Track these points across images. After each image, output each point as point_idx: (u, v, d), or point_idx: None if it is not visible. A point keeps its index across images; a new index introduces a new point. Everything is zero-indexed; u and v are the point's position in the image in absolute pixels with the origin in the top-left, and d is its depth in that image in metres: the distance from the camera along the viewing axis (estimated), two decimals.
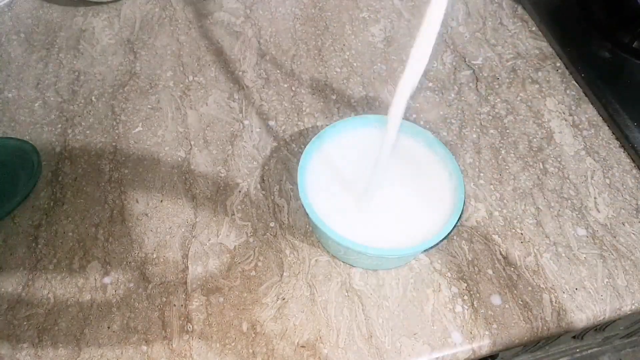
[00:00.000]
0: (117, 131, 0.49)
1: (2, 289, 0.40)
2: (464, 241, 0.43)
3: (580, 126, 0.51)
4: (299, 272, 0.41)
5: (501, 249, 0.43)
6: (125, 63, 0.55)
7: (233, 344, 0.38)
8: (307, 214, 0.38)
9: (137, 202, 0.45)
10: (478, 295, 0.40)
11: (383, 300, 0.40)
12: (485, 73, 0.55)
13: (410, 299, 0.40)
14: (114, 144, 0.49)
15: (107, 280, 0.41)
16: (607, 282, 0.41)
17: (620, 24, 0.55)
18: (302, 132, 0.50)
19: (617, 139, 0.50)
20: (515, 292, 0.40)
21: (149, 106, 0.51)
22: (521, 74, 0.55)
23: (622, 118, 0.49)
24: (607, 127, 0.50)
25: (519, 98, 0.53)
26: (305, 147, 0.41)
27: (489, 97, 0.53)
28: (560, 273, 0.41)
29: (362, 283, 0.41)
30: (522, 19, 0.60)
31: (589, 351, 0.89)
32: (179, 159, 0.48)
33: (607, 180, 0.47)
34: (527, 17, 0.60)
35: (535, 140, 0.49)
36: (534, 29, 0.59)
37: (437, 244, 0.37)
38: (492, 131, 0.50)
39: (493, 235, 0.43)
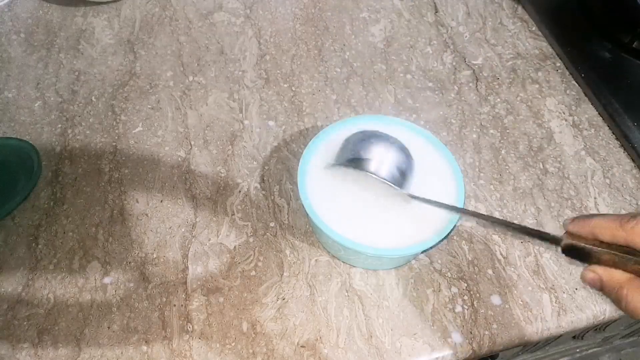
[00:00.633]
0: (117, 131, 0.49)
1: (2, 289, 0.40)
2: (464, 241, 0.43)
3: (580, 126, 0.51)
4: (299, 272, 0.41)
5: (501, 249, 0.43)
6: (125, 63, 0.55)
7: (233, 344, 0.38)
8: (307, 214, 0.38)
9: (137, 202, 0.45)
10: (478, 295, 0.40)
11: (383, 300, 0.40)
12: (485, 73, 0.55)
13: (410, 299, 0.40)
14: (114, 144, 0.49)
15: (107, 280, 0.41)
16: None
17: (620, 24, 0.55)
18: (302, 132, 0.50)
19: (617, 139, 0.50)
20: (515, 292, 0.40)
21: (149, 106, 0.51)
22: (521, 74, 0.55)
23: (622, 118, 0.49)
24: (607, 127, 0.50)
25: (519, 98, 0.53)
26: (305, 147, 0.41)
27: (489, 97, 0.53)
28: (560, 273, 0.41)
29: (362, 283, 0.41)
30: (522, 19, 0.60)
31: (589, 351, 0.89)
32: (179, 159, 0.48)
33: (607, 180, 0.47)
34: (527, 17, 0.60)
35: (535, 140, 0.49)
36: (534, 29, 0.59)
37: (437, 244, 0.37)
38: (492, 131, 0.50)
39: (493, 235, 0.43)
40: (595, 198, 0.46)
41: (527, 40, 0.58)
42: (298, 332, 0.38)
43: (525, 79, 0.54)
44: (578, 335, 0.69)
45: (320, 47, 0.57)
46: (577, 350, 0.86)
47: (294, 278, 0.41)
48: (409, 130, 0.42)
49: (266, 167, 0.47)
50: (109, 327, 0.39)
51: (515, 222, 0.44)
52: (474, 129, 0.50)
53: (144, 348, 0.38)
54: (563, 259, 0.42)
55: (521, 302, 0.40)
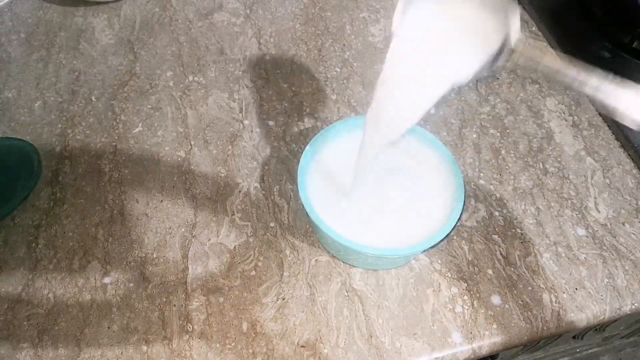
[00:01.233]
0: (117, 131, 0.49)
1: (2, 289, 0.40)
2: (464, 241, 0.43)
3: (580, 126, 0.51)
4: (299, 272, 0.41)
5: (501, 249, 0.43)
6: (125, 63, 0.55)
7: (233, 344, 0.38)
8: (307, 214, 0.38)
9: (137, 202, 0.45)
10: (478, 295, 0.40)
11: (383, 300, 0.40)
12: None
13: (410, 299, 0.40)
14: (114, 144, 0.49)
15: (107, 280, 0.41)
16: (607, 282, 0.41)
17: (620, 24, 0.55)
18: (302, 132, 0.50)
19: (617, 139, 0.50)
20: (515, 292, 0.40)
21: (149, 106, 0.51)
22: (521, 74, 0.55)
23: None
24: (607, 127, 0.50)
25: (519, 98, 0.53)
26: (305, 147, 0.41)
27: (489, 97, 0.53)
28: (560, 273, 0.41)
29: (362, 283, 0.41)
30: (522, 19, 0.60)
31: (589, 351, 0.89)
32: (179, 159, 0.48)
33: (607, 180, 0.47)
34: (527, 17, 0.60)
35: (535, 140, 0.49)
36: (534, 29, 0.59)
37: (437, 244, 0.37)
38: (492, 131, 0.50)
39: (493, 235, 0.43)
40: (595, 198, 0.46)
41: (527, 40, 0.58)
42: (298, 332, 0.38)
43: (525, 79, 0.54)
44: (578, 335, 0.69)
45: (320, 47, 0.57)
46: (577, 350, 0.86)
47: (294, 278, 0.41)
48: (409, 130, 0.42)
49: (266, 167, 0.47)
50: (109, 327, 0.39)
51: (515, 222, 0.44)
52: (474, 129, 0.50)
53: (144, 348, 0.38)
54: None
55: (521, 302, 0.40)
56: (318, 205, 0.38)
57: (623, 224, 0.44)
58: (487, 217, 0.44)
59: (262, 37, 0.57)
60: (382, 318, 0.39)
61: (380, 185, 0.40)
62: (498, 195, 0.46)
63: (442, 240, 0.37)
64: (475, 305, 0.40)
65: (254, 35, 0.58)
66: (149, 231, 0.43)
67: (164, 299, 0.40)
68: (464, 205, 0.44)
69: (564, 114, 0.51)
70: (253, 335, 0.38)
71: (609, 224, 0.44)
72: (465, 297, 0.40)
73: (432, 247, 0.41)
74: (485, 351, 0.39)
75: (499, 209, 0.45)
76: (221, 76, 0.54)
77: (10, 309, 0.39)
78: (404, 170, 0.41)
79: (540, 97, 0.53)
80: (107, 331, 0.38)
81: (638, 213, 0.45)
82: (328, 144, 0.42)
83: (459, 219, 0.37)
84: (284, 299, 0.40)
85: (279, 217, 0.44)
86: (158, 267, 0.41)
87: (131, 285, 0.40)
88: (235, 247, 0.42)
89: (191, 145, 0.49)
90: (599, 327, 0.65)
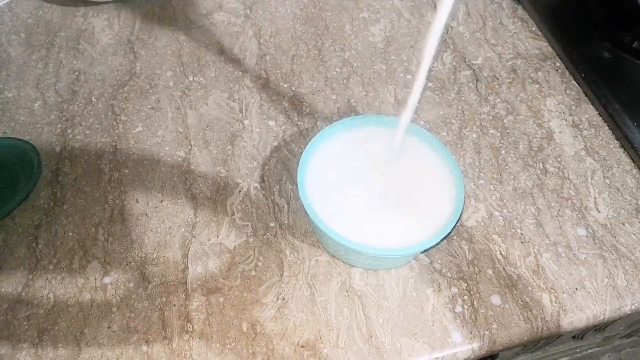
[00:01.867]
0: (117, 131, 0.49)
1: (2, 289, 0.40)
2: (464, 241, 0.43)
3: (580, 126, 0.51)
4: (299, 272, 0.41)
5: (501, 249, 0.43)
6: (125, 63, 0.55)
7: (233, 344, 0.38)
8: (307, 214, 0.38)
9: (137, 202, 0.45)
10: (478, 295, 0.40)
11: (383, 301, 0.40)
12: (485, 73, 0.55)
13: (410, 299, 0.40)
14: (114, 144, 0.49)
15: (107, 280, 0.41)
16: (607, 282, 0.41)
17: (620, 24, 0.55)
18: (302, 132, 0.50)
19: (617, 139, 0.50)
20: (515, 292, 0.40)
21: (149, 106, 0.51)
22: (521, 74, 0.55)
23: (622, 118, 0.49)
24: (607, 127, 0.50)
25: (519, 98, 0.53)
26: (305, 147, 0.41)
27: (489, 97, 0.53)
28: (560, 273, 0.41)
29: (362, 283, 0.41)
30: (522, 19, 0.60)
31: (589, 351, 0.89)
32: (179, 159, 0.48)
33: (607, 180, 0.47)
34: (527, 17, 0.60)
35: (535, 140, 0.49)
36: (534, 29, 0.59)
37: (437, 244, 0.37)
38: (492, 131, 0.50)
39: (493, 235, 0.43)
40: (595, 198, 0.46)
41: (527, 40, 0.58)
42: (298, 332, 0.38)
43: (525, 79, 0.54)
44: (578, 335, 0.69)
45: (320, 47, 0.57)
46: (577, 350, 0.86)
47: (294, 278, 0.41)
48: (409, 130, 0.42)
49: (266, 167, 0.47)
50: (109, 327, 0.39)
51: (515, 222, 0.44)
52: (474, 129, 0.50)
53: (144, 348, 0.38)
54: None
55: (521, 302, 0.40)
56: (318, 205, 0.38)
57: (623, 224, 0.44)
58: (487, 217, 0.44)
59: (262, 37, 0.57)
60: (382, 318, 0.39)
61: (381, 185, 0.40)
62: (498, 195, 0.46)
63: (442, 240, 0.37)
64: (475, 305, 0.40)
65: (254, 35, 0.58)
66: (149, 231, 0.43)
67: (164, 299, 0.40)
68: (464, 205, 0.44)
69: (564, 114, 0.51)
70: (253, 335, 0.38)
71: (609, 224, 0.44)
72: (465, 297, 0.40)
73: (432, 247, 0.41)
74: (485, 351, 0.39)
75: (499, 209, 0.45)
76: (221, 76, 0.54)
77: (10, 309, 0.39)
78: (404, 170, 0.41)
79: (540, 97, 0.53)
80: (107, 331, 0.38)
81: (638, 213, 0.45)
82: (328, 144, 0.42)
83: (459, 219, 0.37)
84: (284, 299, 0.40)
85: (279, 217, 0.44)
86: (158, 267, 0.41)
87: (131, 285, 0.40)
88: (235, 247, 0.42)
89: (191, 145, 0.49)
90: (599, 327, 0.65)
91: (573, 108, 0.52)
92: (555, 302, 0.40)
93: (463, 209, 0.45)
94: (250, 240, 0.43)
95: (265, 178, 0.46)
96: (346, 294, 0.40)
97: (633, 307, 0.40)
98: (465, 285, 0.41)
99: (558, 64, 0.55)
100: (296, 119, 0.51)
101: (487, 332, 0.39)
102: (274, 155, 0.48)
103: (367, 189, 0.40)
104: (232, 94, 0.52)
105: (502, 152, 0.48)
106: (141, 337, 0.38)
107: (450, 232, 0.37)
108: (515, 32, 0.58)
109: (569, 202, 0.45)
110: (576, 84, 0.54)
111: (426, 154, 0.42)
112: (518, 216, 0.44)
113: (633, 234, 0.44)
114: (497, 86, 0.54)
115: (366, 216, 0.39)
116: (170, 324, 0.39)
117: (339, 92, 0.53)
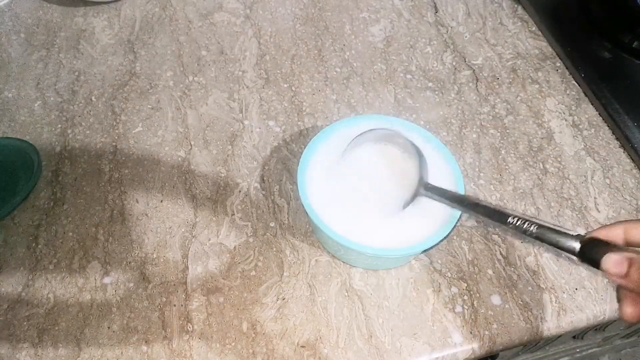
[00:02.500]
0: (117, 131, 0.49)
1: (2, 289, 0.40)
2: (464, 241, 0.43)
3: (580, 126, 0.51)
4: (299, 272, 0.41)
5: (501, 249, 0.43)
6: (125, 63, 0.55)
7: (233, 344, 0.38)
8: (307, 214, 0.38)
9: (137, 202, 0.45)
10: (478, 295, 0.40)
11: (383, 300, 0.40)
12: (485, 73, 0.55)
13: (410, 299, 0.40)
14: (114, 144, 0.49)
15: (107, 280, 0.41)
16: (607, 282, 0.41)
17: (620, 24, 0.55)
18: (302, 132, 0.50)
19: (617, 139, 0.50)
20: (515, 292, 0.40)
21: (149, 106, 0.51)
22: (521, 74, 0.55)
23: (622, 118, 0.49)
24: (607, 127, 0.50)
25: (519, 98, 0.53)
26: (305, 147, 0.41)
27: (489, 97, 0.53)
28: (560, 273, 0.41)
29: (362, 283, 0.41)
30: (522, 19, 0.60)
31: (589, 351, 0.89)
32: (179, 159, 0.48)
33: (607, 180, 0.47)
34: (527, 17, 0.60)
35: (535, 140, 0.49)
36: (534, 29, 0.59)
37: (437, 244, 0.37)
38: (492, 131, 0.50)
39: (493, 235, 0.43)
40: (595, 198, 0.46)
41: (527, 40, 0.58)
42: (298, 332, 0.38)
43: (525, 79, 0.54)
44: (578, 335, 0.69)
45: (320, 47, 0.57)
46: (577, 350, 0.86)
47: (294, 278, 0.41)
48: (409, 130, 0.42)
49: (266, 167, 0.47)
50: (109, 327, 0.39)
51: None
52: (474, 129, 0.50)
53: (144, 348, 0.38)
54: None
55: (521, 302, 0.40)
56: (318, 205, 0.38)
57: None
58: None
59: (262, 37, 0.57)
60: (382, 318, 0.39)
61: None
62: (498, 195, 0.46)
63: (442, 240, 0.37)
64: (475, 305, 0.40)
65: (254, 35, 0.58)
66: (149, 231, 0.43)
67: (164, 299, 0.40)
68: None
69: (564, 114, 0.51)
70: (253, 335, 0.38)
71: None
72: (465, 297, 0.40)
73: (432, 247, 0.41)
74: (485, 351, 0.39)
75: None
76: (221, 76, 0.54)
77: (10, 309, 0.39)
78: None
79: (540, 97, 0.53)
80: (107, 331, 0.38)
81: (638, 213, 0.45)
82: (328, 144, 0.42)
83: (459, 219, 0.37)
84: (284, 299, 0.40)
85: (279, 217, 0.44)
86: (158, 267, 0.41)
87: (131, 285, 0.40)
88: (235, 247, 0.42)
89: (191, 145, 0.49)
90: (599, 327, 0.65)
91: (573, 108, 0.52)
92: (555, 302, 0.40)
93: None
94: (250, 240, 0.43)
95: (265, 178, 0.46)
96: (346, 294, 0.40)
97: None
98: (465, 285, 0.41)
99: (558, 64, 0.55)
100: (296, 119, 0.51)
101: (487, 332, 0.39)
102: (274, 155, 0.48)
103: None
104: (232, 94, 0.52)
105: (502, 152, 0.48)
106: (141, 337, 0.38)
107: (450, 232, 0.37)
108: (515, 32, 0.58)
109: (569, 202, 0.45)
110: (576, 84, 0.54)
111: (426, 154, 0.42)
112: None
113: None
114: (497, 86, 0.54)
115: (366, 216, 0.39)
116: (170, 324, 0.39)
117: (339, 92, 0.53)
